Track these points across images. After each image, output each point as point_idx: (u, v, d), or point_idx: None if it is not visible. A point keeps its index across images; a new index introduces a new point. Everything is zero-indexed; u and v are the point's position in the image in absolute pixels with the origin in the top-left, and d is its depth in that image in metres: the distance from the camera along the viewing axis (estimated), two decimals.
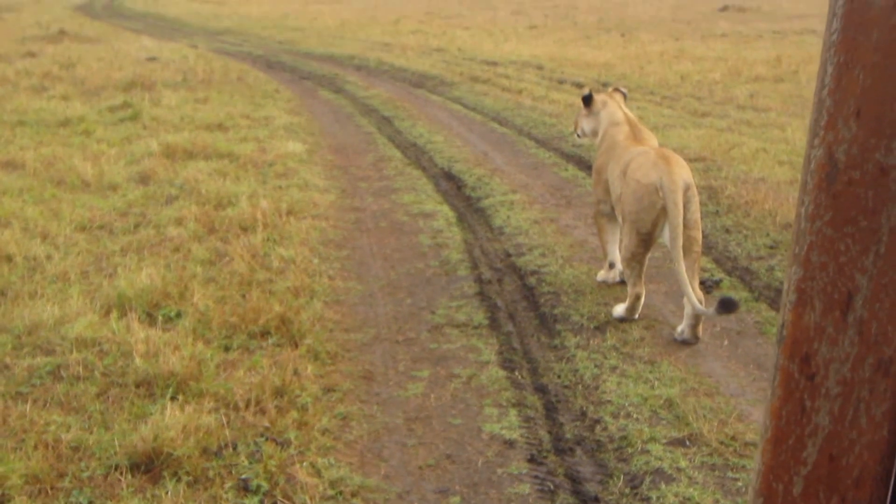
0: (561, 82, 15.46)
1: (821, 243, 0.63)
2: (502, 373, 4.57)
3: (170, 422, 3.82)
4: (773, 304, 5.45)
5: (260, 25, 30.69)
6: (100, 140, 9.96)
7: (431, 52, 20.99)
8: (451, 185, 8.52)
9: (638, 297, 5.16)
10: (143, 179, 8.27)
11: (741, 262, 6.22)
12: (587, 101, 5.98)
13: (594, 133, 5.99)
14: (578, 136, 6.25)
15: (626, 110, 5.89)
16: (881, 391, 0.63)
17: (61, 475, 3.60)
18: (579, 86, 14.74)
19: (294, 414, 4.08)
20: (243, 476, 3.60)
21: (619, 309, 5.27)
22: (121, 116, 11.49)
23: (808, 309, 0.64)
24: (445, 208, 7.62)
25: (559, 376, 4.57)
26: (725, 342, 4.97)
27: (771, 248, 6.42)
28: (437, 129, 11.27)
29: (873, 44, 0.59)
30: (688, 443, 3.94)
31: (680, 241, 4.76)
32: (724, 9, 39.72)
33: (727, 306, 4.45)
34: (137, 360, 4.43)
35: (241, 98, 13.46)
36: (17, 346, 4.71)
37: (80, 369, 4.41)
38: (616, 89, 6.22)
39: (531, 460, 3.83)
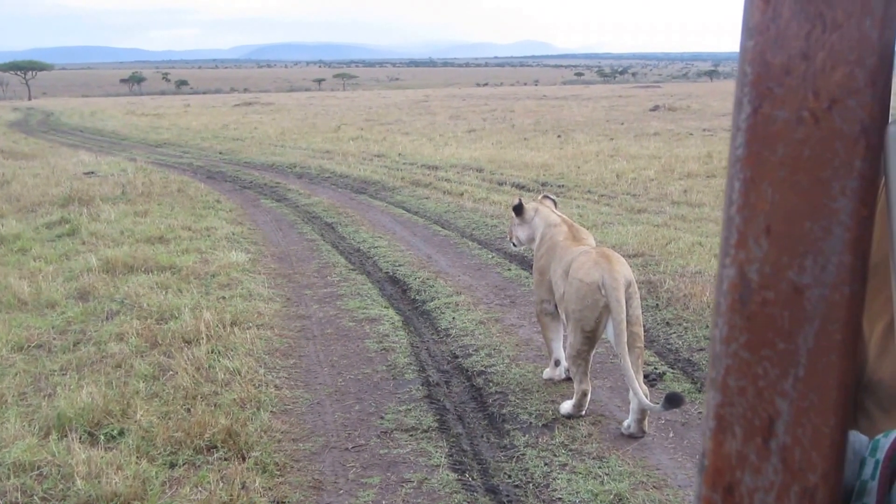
0: (501, 184, 15.77)
1: (738, 367, 0.61)
2: (453, 475, 4.53)
3: None
4: None
5: (200, 136, 30.89)
6: (36, 257, 9.83)
7: (372, 158, 21.31)
8: (395, 289, 8.56)
9: (585, 394, 5.20)
10: (83, 296, 8.15)
11: (683, 354, 6.31)
12: (518, 210, 6.10)
13: (529, 240, 6.09)
14: (514, 244, 6.32)
15: (559, 213, 6.02)
16: None
17: None
18: (519, 187, 15.05)
19: None
20: None
21: (567, 406, 5.29)
22: (58, 233, 11.38)
23: (729, 436, 0.61)
24: (391, 312, 7.63)
25: (510, 476, 4.55)
26: (671, 434, 5.01)
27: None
28: (380, 234, 11.37)
29: (779, 158, 0.59)
30: None
31: (624, 338, 4.84)
32: (655, 108, 41.21)
33: (673, 402, 4.53)
34: (79, 483, 4.30)
35: (182, 210, 13.45)
36: None
37: (19, 495, 4.26)
38: (545, 196, 6.36)
39: None
